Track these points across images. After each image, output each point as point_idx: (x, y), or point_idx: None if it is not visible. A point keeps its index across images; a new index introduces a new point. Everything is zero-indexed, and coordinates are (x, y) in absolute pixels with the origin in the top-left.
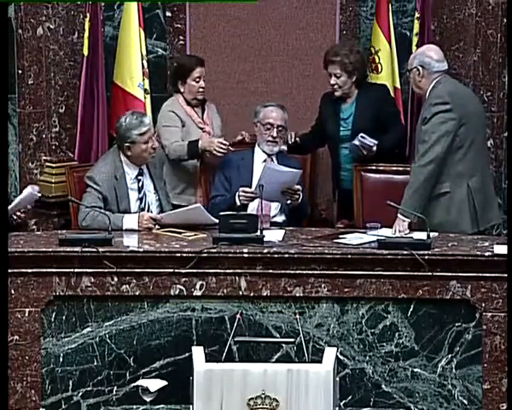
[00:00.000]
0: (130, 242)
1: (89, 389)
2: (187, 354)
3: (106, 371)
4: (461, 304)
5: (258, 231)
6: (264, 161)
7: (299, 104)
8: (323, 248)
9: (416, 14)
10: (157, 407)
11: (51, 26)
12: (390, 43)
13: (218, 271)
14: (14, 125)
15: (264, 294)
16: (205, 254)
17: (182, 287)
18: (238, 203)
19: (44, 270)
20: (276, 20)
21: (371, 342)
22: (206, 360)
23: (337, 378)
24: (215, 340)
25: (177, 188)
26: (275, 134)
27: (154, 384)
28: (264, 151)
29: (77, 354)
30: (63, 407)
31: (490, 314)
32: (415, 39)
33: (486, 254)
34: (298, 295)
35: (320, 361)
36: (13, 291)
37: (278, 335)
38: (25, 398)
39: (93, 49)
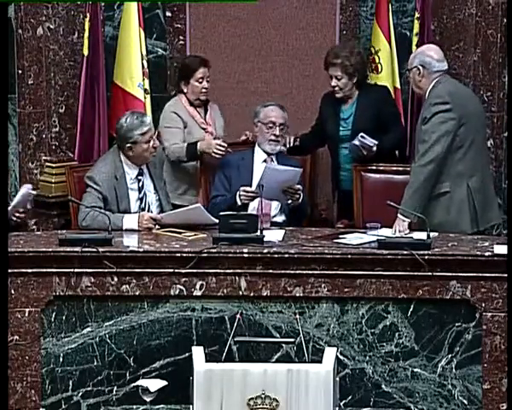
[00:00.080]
0: (130, 242)
1: (89, 389)
2: (187, 354)
3: (106, 371)
4: (461, 304)
5: (258, 231)
6: (264, 160)
7: (299, 104)
8: (323, 248)
9: (416, 14)
10: (157, 407)
11: (51, 26)
12: (390, 43)
13: (218, 271)
14: (14, 125)
15: (264, 294)
16: (205, 254)
17: (182, 287)
18: (239, 203)
19: (44, 270)
20: (276, 20)
21: (371, 342)
22: (206, 360)
23: (337, 378)
24: (215, 340)
25: (179, 188)
26: (277, 132)
27: (154, 384)
28: (264, 151)
29: (77, 354)
30: (63, 407)
31: (490, 314)
32: (415, 39)
33: (486, 254)
34: (298, 295)
35: (320, 361)
36: (13, 291)
37: (278, 335)
38: (25, 398)
39: (93, 49)
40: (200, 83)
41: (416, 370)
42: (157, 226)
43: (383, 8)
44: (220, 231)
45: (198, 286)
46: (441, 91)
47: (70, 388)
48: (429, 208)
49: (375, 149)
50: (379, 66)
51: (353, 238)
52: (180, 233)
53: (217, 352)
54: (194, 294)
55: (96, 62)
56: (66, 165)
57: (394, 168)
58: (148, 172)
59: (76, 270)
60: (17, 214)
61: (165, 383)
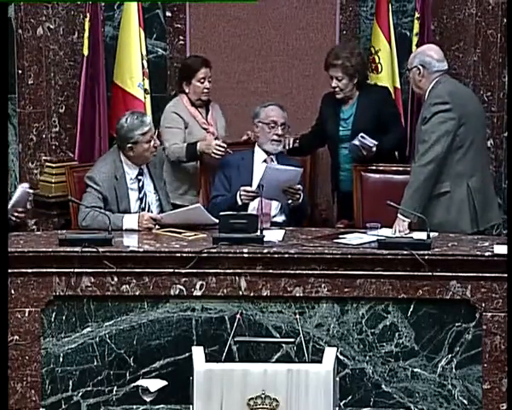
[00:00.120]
0: (130, 242)
1: (89, 389)
2: (187, 354)
3: (106, 371)
4: (461, 304)
5: (258, 231)
6: (264, 160)
7: (299, 104)
8: (323, 248)
9: (416, 14)
10: (157, 407)
11: (51, 26)
12: (390, 43)
13: (218, 271)
14: (14, 125)
15: (264, 294)
16: (205, 254)
17: (182, 287)
18: (239, 203)
19: (44, 270)
20: (276, 20)
21: (371, 342)
22: (206, 360)
23: (337, 378)
24: (215, 340)
25: (180, 188)
26: (280, 132)
27: (154, 384)
28: (266, 151)
29: (77, 354)
30: (63, 407)
31: (490, 314)
32: (415, 39)
33: (486, 254)
34: (298, 295)
35: (320, 361)
36: (13, 291)
37: (278, 335)
38: (25, 398)
39: (93, 49)
40: (202, 83)
41: (415, 370)
42: (157, 226)
43: (383, 8)
44: (220, 231)
45: (198, 286)
46: (441, 91)
47: (70, 388)
48: (429, 208)
49: (374, 149)
50: (379, 66)
51: (353, 238)
52: (180, 233)
53: (217, 352)
54: (194, 294)
55: (96, 62)
56: (66, 165)
57: (394, 168)
58: (148, 172)
59: (76, 270)
60: (16, 214)
61: (165, 383)
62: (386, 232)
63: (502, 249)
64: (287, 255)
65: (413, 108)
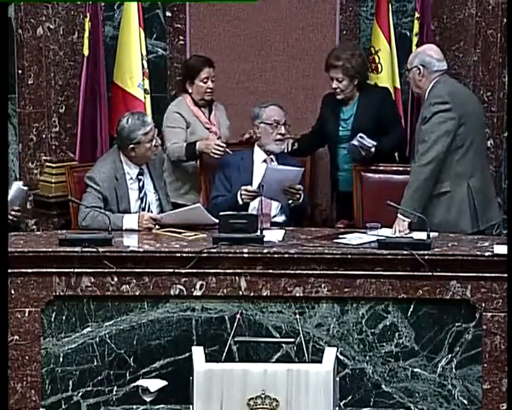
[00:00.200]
0: (130, 242)
1: (89, 389)
2: (187, 354)
3: (106, 371)
4: (461, 304)
5: (258, 231)
6: (264, 160)
7: (299, 104)
8: (323, 248)
9: (416, 14)
10: (157, 407)
11: (51, 26)
12: (390, 43)
13: (218, 271)
14: (14, 125)
15: (264, 294)
16: (205, 254)
17: (182, 287)
18: (240, 202)
19: (44, 270)
20: (276, 20)
21: (371, 342)
22: (206, 360)
23: (337, 378)
24: (215, 340)
25: (181, 188)
26: (283, 131)
27: (154, 384)
28: (270, 151)
29: (77, 354)
30: (63, 407)
31: (490, 314)
32: (415, 39)
33: (486, 254)
34: (298, 295)
35: (320, 361)
36: (13, 291)
37: (278, 335)
38: (25, 398)
39: (93, 50)
40: (205, 83)
41: (416, 370)
42: (157, 226)
43: (383, 8)
44: (220, 231)
45: (198, 286)
46: (441, 91)
47: (70, 388)
48: (429, 208)
49: (373, 150)
50: (379, 66)
51: (353, 238)
52: (180, 233)
53: (217, 352)
54: (194, 294)
55: (96, 62)
56: (67, 165)
57: (394, 168)
58: (148, 171)
59: (76, 270)
60: (13, 213)
61: (165, 383)
62: (386, 232)
63: (502, 249)
64: (287, 255)
65: (413, 108)
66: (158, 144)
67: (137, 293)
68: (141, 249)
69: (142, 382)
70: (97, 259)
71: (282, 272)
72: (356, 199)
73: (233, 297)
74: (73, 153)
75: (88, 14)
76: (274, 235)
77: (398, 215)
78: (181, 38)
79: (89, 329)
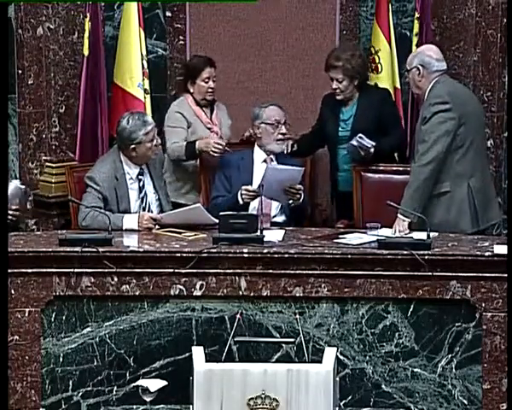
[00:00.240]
0: (130, 242)
1: (89, 389)
2: (187, 354)
3: (106, 371)
4: (461, 304)
5: (258, 231)
6: (264, 160)
7: (299, 104)
8: (323, 248)
9: (416, 14)
10: (157, 407)
11: (51, 26)
12: (390, 43)
13: (218, 271)
14: (14, 125)
15: (264, 294)
16: (205, 254)
17: (182, 287)
18: (241, 202)
19: (44, 270)
20: (276, 20)
21: (371, 342)
22: (206, 360)
23: (337, 378)
24: (215, 340)
25: (182, 188)
26: (284, 130)
27: (154, 384)
28: (271, 151)
29: (77, 354)
30: (63, 407)
31: (490, 314)
32: (415, 39)
33: (486, 254)
34: (298, 295)
35: (320, 361)
36: (13, 291)
37: (278, 335)
38: (25, 398)
39: (93, 49)
40: (207, 83)
41: (416, 370)
42: (157, 226)
43: (383, 8)
44: (220, 231)
45: (198, 286)
46: (440, 91)
47: (70, 388)
48: (429, 208)
49: (372, 150)
50: (379, 66)
51: (353, 238)
52: (180, 233)
53: (217, 352)
54: (194, 294)
55: (96, 62)
56: (67, 165)
57: (394, 168)
58: (148, 171)
59: (76, 270)
60: (11, 212)
61: (165, 383)
62: (386, 232)
63: (502, 249)
64: (287, 255)
65: (413, 109)
66: (158, 144)
67: (137, 293)
68: (141, 249)
69: (142, 382)
70: (97, 259)
71: (282, 272)
72: (356, 199)
73: (233, 297)
74: (73, 153)
75: (88, 14)
76: (274, 235)
77: (398, 215)
78: (181, 38)
79: (89, 329)
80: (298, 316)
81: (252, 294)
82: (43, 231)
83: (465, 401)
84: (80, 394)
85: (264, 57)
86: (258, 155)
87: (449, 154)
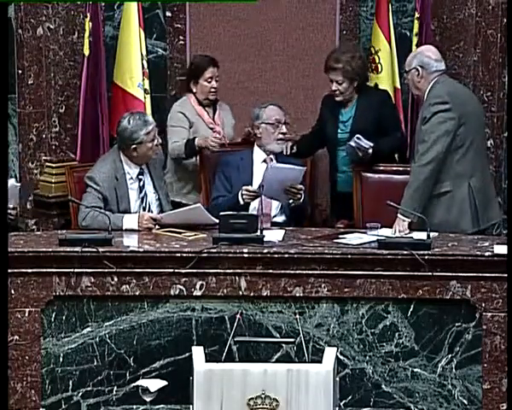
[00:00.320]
0: (130, 242)
1: (89, 389)
2: (187, 354)
3: (106, 371)
4: (461, 304)
5: (258, 231)
6: (264, 160)
7: (299, 104)
8: (323, 248)
9: (416, 14)
10: (157, 407)
11: (51, 26)
12: (390, 43)
13: (218, 271)
14: (14, 125)
15: (264, 294)
16: (205, 254)
17: (182, 287)
18: (241, 202)
19: (44, 270)
20: (276, 20)
21: (371, 342)
22: (206, 360)
23: (337, 378)
24: (215, 340)
25: (184, 188)
26: (284, 130)
27: (154, 384)
28: (271, 151)
29: (77, 354)
30: (63, 407)
31: (490, 314)
32: (415, 39)
33: (486, 254)
34: (298, 295)
35: (320, 361)
36: (13, 291)
37: (278, 335)
38: (25, 398)
39: (94, 49)
40: (209, 83)
41: (416, 370)
42: (157, 226)
43: (383, 8)
44: (220, 231)
45: (198, 286)
46: (440, 91)
47: (70, 388)
48: (430, 208)
49: (370, 151)
50: (379, 66)
51: (353, 238)
52: (180, 233)
53: (217, 352)
54: (194, 294)
55: (96, 62)
56: (67, 165)
57: (394, 168)
58: (148, 171)
59: (76, 270)
60: (8, 211)
61: (165, 383)
62: (386, 232)
63: (502, 249)
64: (287, 255)
65: (413, 109)
66: (159, 143)
67: (137, 293)
68: (141, 249)
69: (142, 382)
70: (97, 259)
71: (282, 272)
72: (356, 199)
73: (233, 297)
74: (73, 153)
75: (88, 14)
76: (274, 235)
77: (398, 215)
78: (181, 38)
79: (89, 329)
80: (298, 316)
81: (252, 294)
82: (43, 231)
83: (465, 401)
84: (80, 394)
85: (264, 57)
86: (258, 155)
87: (449, 154)
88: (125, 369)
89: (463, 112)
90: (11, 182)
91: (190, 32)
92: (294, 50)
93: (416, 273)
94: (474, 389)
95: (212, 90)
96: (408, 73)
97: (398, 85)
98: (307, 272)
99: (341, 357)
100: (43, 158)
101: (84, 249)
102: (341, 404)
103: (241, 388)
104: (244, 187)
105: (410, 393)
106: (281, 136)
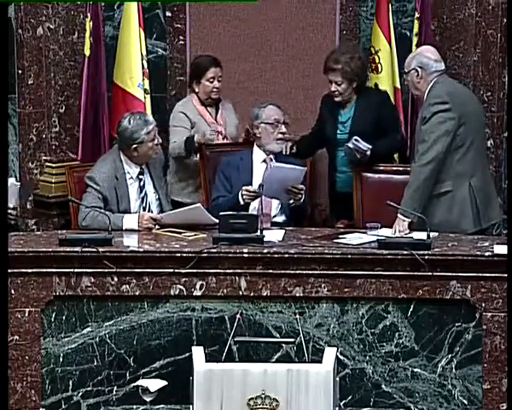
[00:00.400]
0: (131, 242)
1: (89, 389)
2: (187, 354)
3: (106, 371)
4: (461, 304)
5: (258, 231)
6: (264, 160)
7: (299, 104)
8: (323, 248)
9: (416, 14)
10: (157, 407)
11: (51, 26)
12: (390, 43)
13: (218, 271)
14: (14, 125)
15: (264, 294)
16: (205, 254)
17: (182, 287)
18: (241, 202)
19: (44, 270)
20: (276, 20)
21: (371, 342)
22: (206, 360)
23: (337, 378)
24: (215, 340)
25: (186, 188)
26: (284, 130)
27: (154, 384)
28: (271, 151)
29: (77, 354)
30: (63, 407)
31: (490, 314)
32: (415, 39)
33: (486, 254)
34: (298, 295)
35: (320, 361)
36: (13, 291)
37: (278, 335)
38: (25, 398)
39: (94, 49)
40: (211, 83)
41: (416, 370)
42: (157, 226)
43: (383, 8)
44: (220, 231)
45: (198, 286)
46: (440, 91)
47: (70, 388)
48: (430, 208)
49: (368, 153)
50: (379, 66)
51: (353, 238)
52: (180, 233)
53: (217, 352)
54: (194, 294)
55: (97, 62)
56: (67, 165)
57: (394, 168)
58: (148, 171)
59: (76, 270)
60: (9, 211)
61: (165, 383)
62: (386, 232)
63: (502, 249)
64: (287, 255)
65: (413, 108)
66: (159, 143)
67: (137, 293)
68: (141, 249)
69: (142, 382)
70: (97, 259)
71: (282, 272)
72: (356, 199)
73: (233, 297)
74: (73, 153)
75: (89, 14)
76: (274, 235)
77: (398, 215)
78: (181, 38)
79: (89, 329)
80: (298, 316)
81: (252, 294)
82: (43, 231)
83: (465, 401)
84: (80, 394)
85: (264, 57)
86: (258, 155)
87: (449, 154)
88: (125, 369)
89: (463, 112)
90: (11, 182)
91: (190, 32)
92: (294, 50)
93: (415, 273)
94: (474, 389)
95: (215, 90)
96: (407, 73)
97: (398, 85)
98: (307, 272)
99: (341, 357)
100: (43, 158)
101: (84, 249)
102: (341, 404)
103: (241, 388)
104: (244, 187)
105: (410, 393)
106: (280, 136)
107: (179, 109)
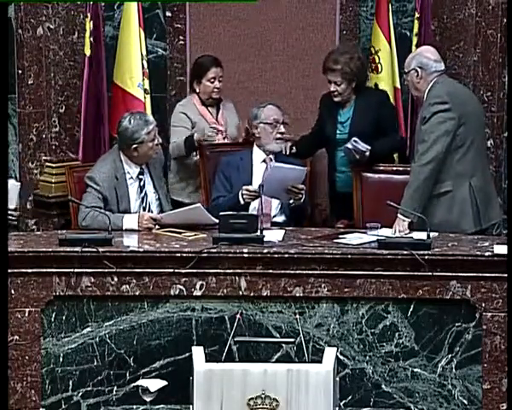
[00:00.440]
0: (131, 242)
1: (89, 389)
2: (187, 354)
3: (106, 371)
4: (461, 304)
5: (258, 231)
6: (264, 160)
7: (299, 104)
8: (323, 248)
9: (416, 14)
10: (157, 407)
11: (51, 26)
12: (390, 43)
13: (218, 271)
14: (14, 125)
15: (264, 294)
16: (205, 254)
17: (182, 287)
18: (242, 202)
19: (44, 270)
20: (276, 20)
21: (371, 342)
22: (206, 360)
23: (337, 378)
24: (215, 340)
25: (186, 188)
26: (283, 130)
27: (154, 384)
28: (270, 151)
29: (77, 354)
30: (63, 407)
31: (490, 314)
32: (415, 39)
33: (486, 254)
34: (298, 295)
35: (320, 361)
36: (13, 291)
37: (278, 335)
38: (25, 398)
39: (94, 49)
40: (212, 83)
41: (416, 370)
42: (157, 226)
43: (383, 8)
44: (220, 231)
45: (198, 286)
46: (440, 91)
47: (70, 388)
48: (430, 208)
49: (367, 154)
50: (379, 66)
51: (353, 238)
52: (180, 233)
53: (217, 352)
54: (194, 294)
55: (97, 62)
56: (66, 165)
57: (394, 168)
58: (148, 171)
59: (76, 270)
60: (10, 212)
61: (165, 383)
62: (386, 232)
63: (502, 249)
64: (287, 255)
65: (413, 109)
66: (159, 143)
67: (137, 293)
68: (141, 249)
69: (142, 382)
70: (97, 259)
71: (282, 272)
72: (356, 199)
73: (233, 297)
74: (73, 153)
75: (89, 14)
76: (274, 235)
77: (398, 215)
78: (181, 38)
79: (89, 329)
80: (298, 316)
81: (252, 294)
82: (43, 231)
83: (465, 401)
84: (80, 394)
85: (264, 57)
86: (257, 155)
87: (449, 153)
88: (125, 369)
89: (463, 112)
90: (12, 183)
91: (190, 32)
92: (294, 50)
93: (416, 273)
94: (474, 389)
95: (215, 90)
96: (407, 74)
97: (398, 85)
98: (307, 272)
99: (341, 357)
100: (43, 158)
101: (84, 249)
102: (341, 404)
103: (241, 388)
104: (244, 187)
105: (410, 393)
106: (279, 135)
107: (180, 110)
